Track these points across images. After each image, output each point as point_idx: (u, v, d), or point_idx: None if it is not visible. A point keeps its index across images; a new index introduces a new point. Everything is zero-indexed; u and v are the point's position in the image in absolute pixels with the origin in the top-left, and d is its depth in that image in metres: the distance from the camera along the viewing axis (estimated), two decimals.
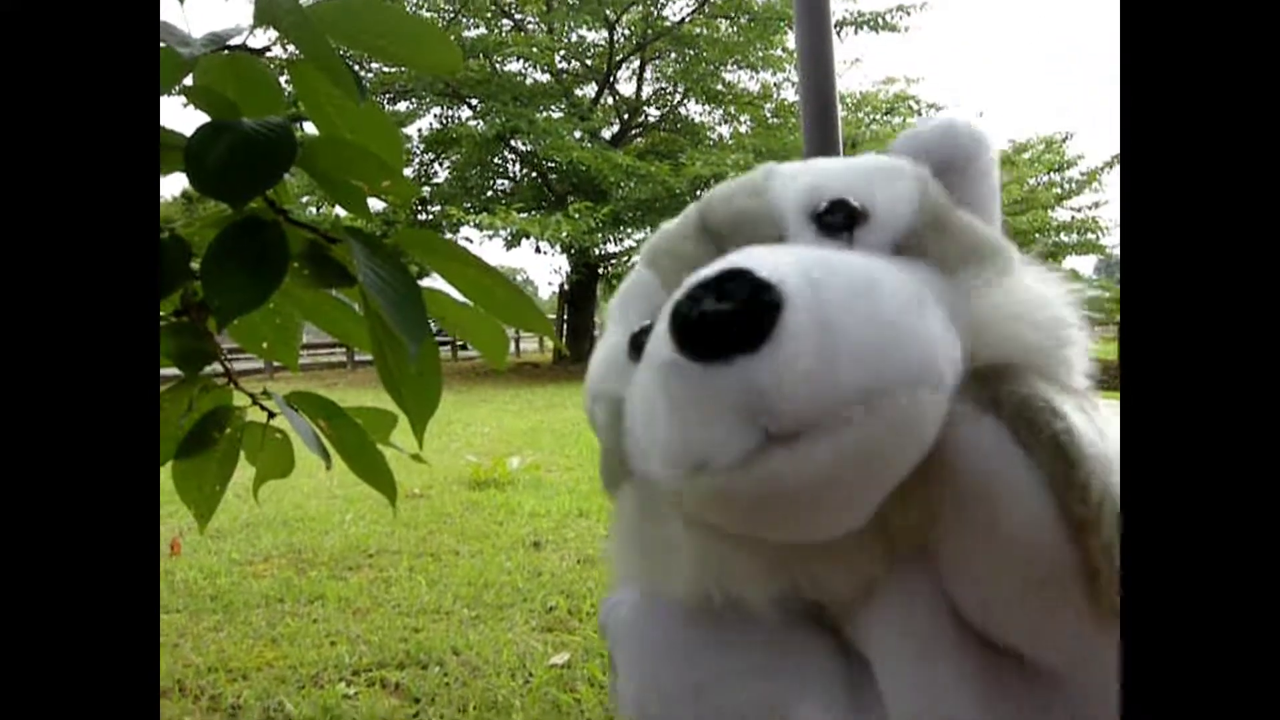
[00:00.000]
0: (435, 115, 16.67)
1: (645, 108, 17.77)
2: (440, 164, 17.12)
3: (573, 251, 14.24)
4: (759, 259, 0.44)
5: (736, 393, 0.41)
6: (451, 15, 15.33)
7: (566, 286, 16.76)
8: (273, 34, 0.87)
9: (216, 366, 1.05)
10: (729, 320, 0.41)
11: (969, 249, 0.54)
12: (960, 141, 0.61)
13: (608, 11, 15.37)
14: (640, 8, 15.56)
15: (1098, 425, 0.47)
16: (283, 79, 1.02)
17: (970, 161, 0.61)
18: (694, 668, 0.61)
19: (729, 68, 16.63)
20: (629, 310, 0.62)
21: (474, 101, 15.72)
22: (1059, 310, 0.52)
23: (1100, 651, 0.47)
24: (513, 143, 15.23)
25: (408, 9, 13.58)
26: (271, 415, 1.06)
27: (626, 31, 16.12)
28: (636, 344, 0.57)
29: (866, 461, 0.43)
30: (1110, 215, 18.38)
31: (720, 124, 17.86)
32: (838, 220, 0.53)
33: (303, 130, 0.97)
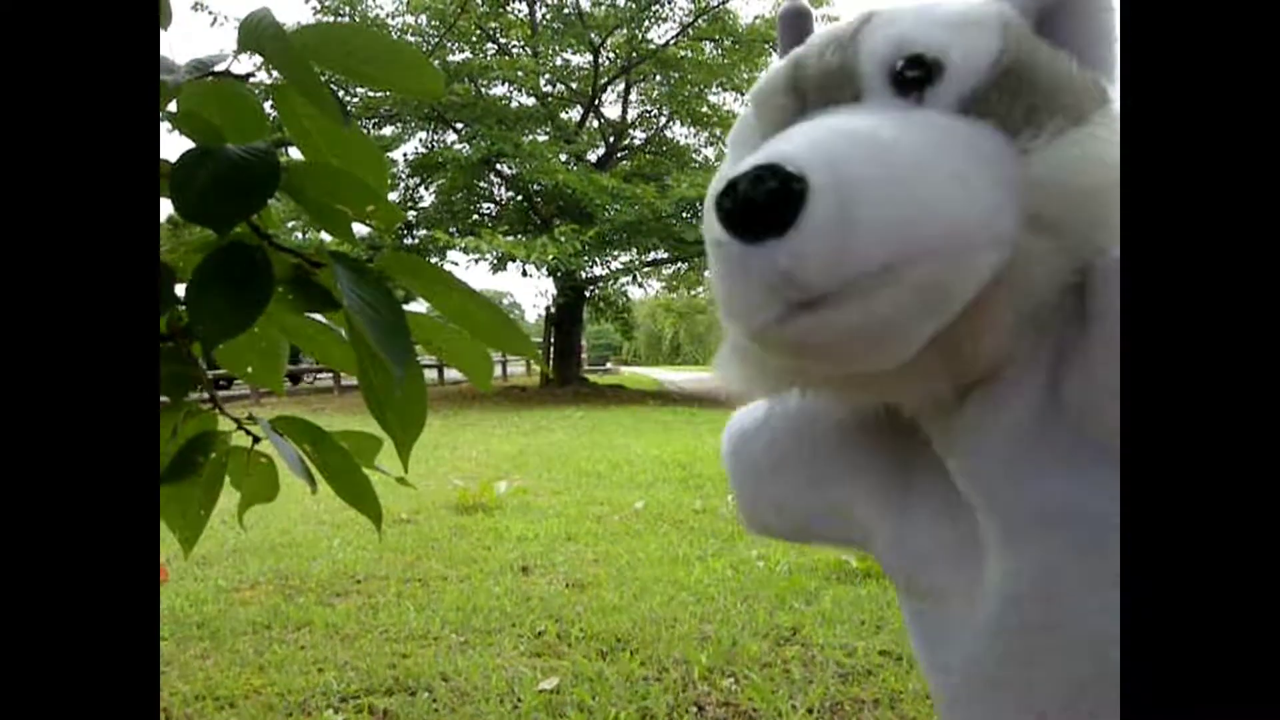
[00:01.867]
0: (420, 139, 16.71)
1: (630, 130, 17.85)
2: (426, 188, 17.12)
3: (559, 274, 14.24)
4: (797, 148, 0.50)
5: (764, 270, 0.49)
6: (437, 40, 15.37)
7: (553, 309, 16.76)
8: (257, 60, 0.87)
9: (202, 391, 1.04)
10: (760, 209, 0.48)
11: (1038, 107, 0.56)
12: None
13: (592, 35, 15.45)
14: (625, 31, 15.63)
15: None
16: (267, 104, 1.02)
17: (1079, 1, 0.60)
18: (776, 484, 0.78)
19: (713, 90, 16.73)
20: (738, 150, 0.68)
21: (459, 125, 15.75)
22: (1103, 175, 0.55)
23: None
24: (498, 166, 15.25)
25: (392, 34, 13.64)
26: (256, 440, 1.06)
27: (611, 55, 16.21)
28: None
29: (892, 319, 0.51)
30: None
31: (705, 146, 17.96)
32: (913, 77, 0.57)
33: (287, 155, 0.97)
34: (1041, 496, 0.57)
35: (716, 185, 0.51)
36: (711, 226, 0.51)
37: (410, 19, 15.53)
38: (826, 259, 0.47)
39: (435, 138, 16.66)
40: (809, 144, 0.51)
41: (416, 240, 15.12)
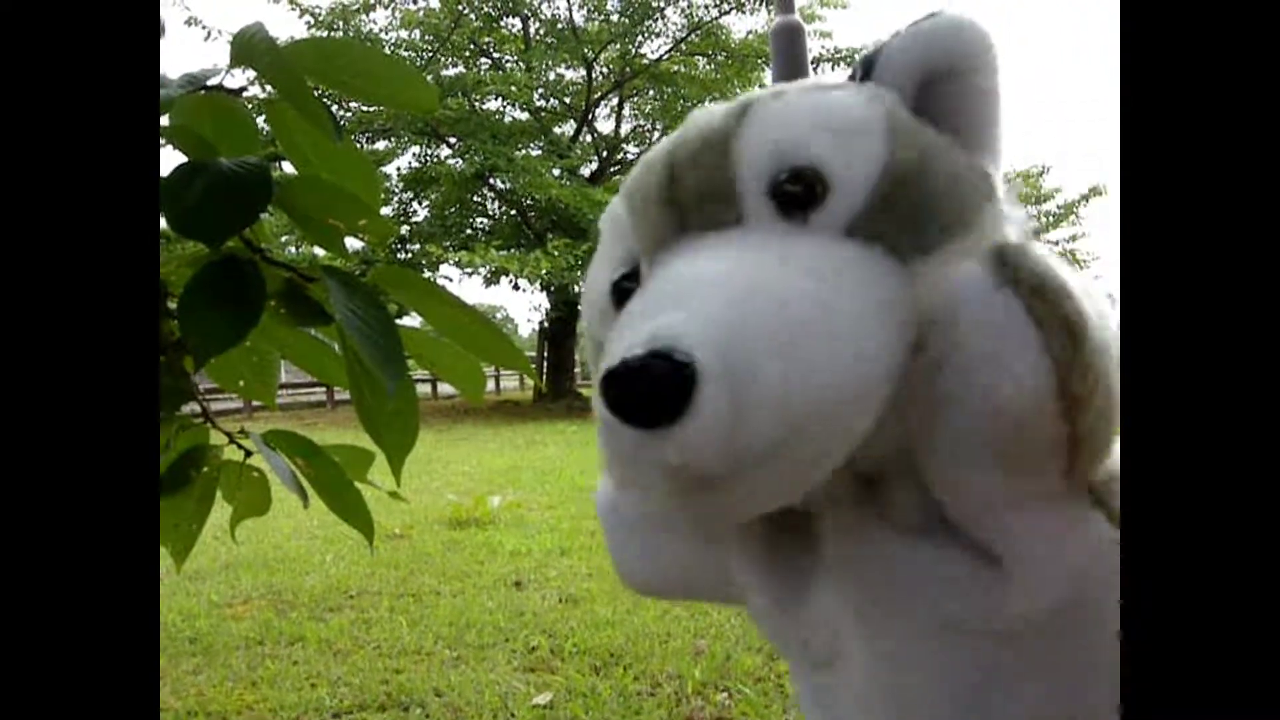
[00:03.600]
0: (414, 154, 16.71)
1: (624, 145, 17.86)
2: (419, 202, 17.11)
3: (552, 289, 14.25)
4: (685, 322, 0.46)
5: (655, 457, 0.46)
6: (430, 54, 15.41)
7: (546, 324, 16.75)
8: (250, 74, 0.87)
9: (194, 405, 1.04)
10: (649, 397, 0.45)
11: (926, 221, 0.53)
12: (963, 46, 0.56)
13: (586, 50, 15.48)
14: (618, 46, 15.68)
15: (1099, 308, 0.51)
16: (260, 119, 1.02)
17: (971, 69, 0.56)
18: (654, 540, 0.72)
19: (707, 105, 16.74)
20: (611, 247, 0.65)
21: (453, 140, 15.76)
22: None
23: (1056, 536, 0.52)
24: (491, 181, 15.25)
25: (386, 48, 13.66)
26: (249, 454, 1.06)
27: (604, 69, 16.24)
28: (617, 291, 0.63)
29: (789, 482, 0.49)
30: (1088, 248, 18.66)
31: None
32: (796, 195, 0.54)
33: (280, 170, 0.97)
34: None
35: (599, 374, 0.47)
36: (598, 404, 0.47)
37: (404, 34, 15.56)
38: (717, 449, 0.45)
39: (429, 152, 16.67)
40: (696, 313, 0.47)
41: (410, 254, 15.11)
